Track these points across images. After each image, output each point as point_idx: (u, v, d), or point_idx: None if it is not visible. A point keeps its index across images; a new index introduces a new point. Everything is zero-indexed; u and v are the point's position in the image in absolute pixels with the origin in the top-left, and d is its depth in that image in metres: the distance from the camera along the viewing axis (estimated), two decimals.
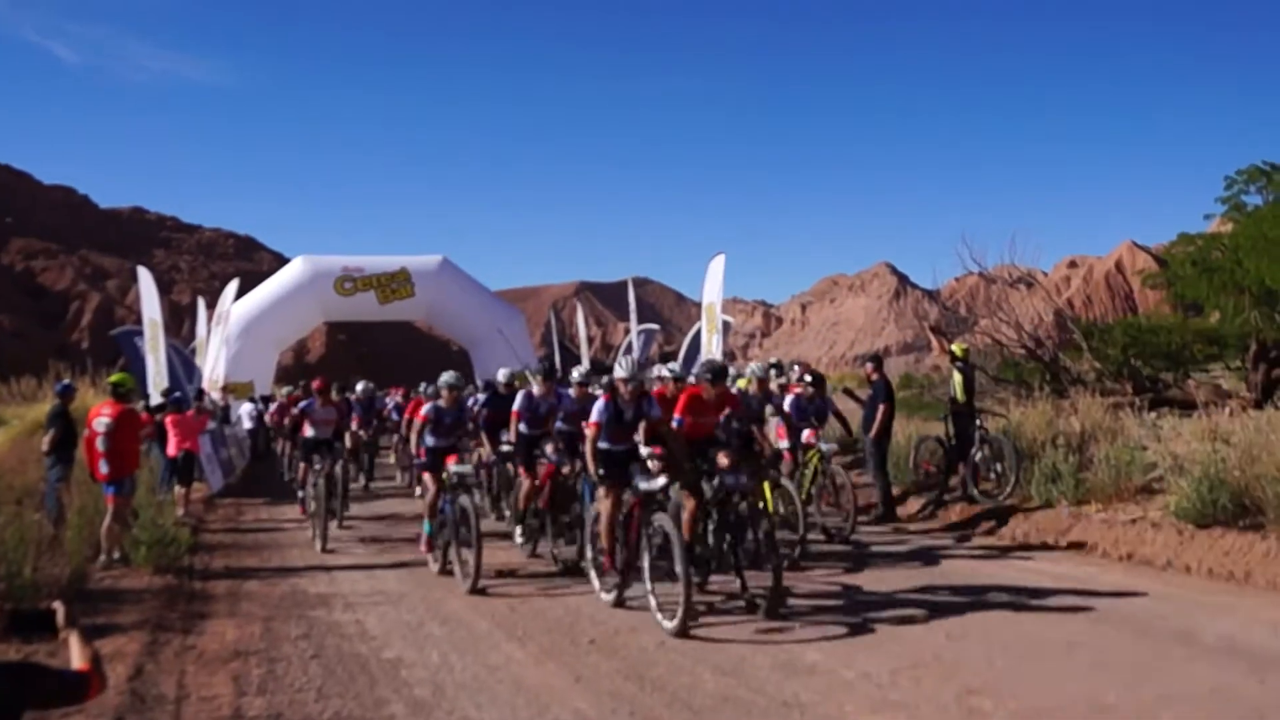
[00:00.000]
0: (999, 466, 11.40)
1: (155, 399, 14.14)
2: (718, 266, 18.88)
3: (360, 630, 6.93)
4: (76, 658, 2.94)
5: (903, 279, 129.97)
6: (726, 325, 22.83)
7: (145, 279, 16.16)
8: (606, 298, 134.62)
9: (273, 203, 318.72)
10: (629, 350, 24.58)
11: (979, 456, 11.45)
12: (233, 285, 22.17)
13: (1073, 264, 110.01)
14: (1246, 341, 21.02)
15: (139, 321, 17.34)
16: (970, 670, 5.57)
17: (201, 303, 26.94)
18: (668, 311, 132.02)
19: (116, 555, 9.06)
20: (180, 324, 55.03)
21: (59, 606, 3.04)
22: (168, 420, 12.28)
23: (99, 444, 9.40)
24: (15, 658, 4.08)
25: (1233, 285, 21.31)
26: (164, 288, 16.22)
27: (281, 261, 52.50)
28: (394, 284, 27.09)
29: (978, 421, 11.73)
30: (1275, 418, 11.17)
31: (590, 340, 28.31)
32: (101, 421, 9.43)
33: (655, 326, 27.28)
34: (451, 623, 7.07)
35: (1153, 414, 13.65)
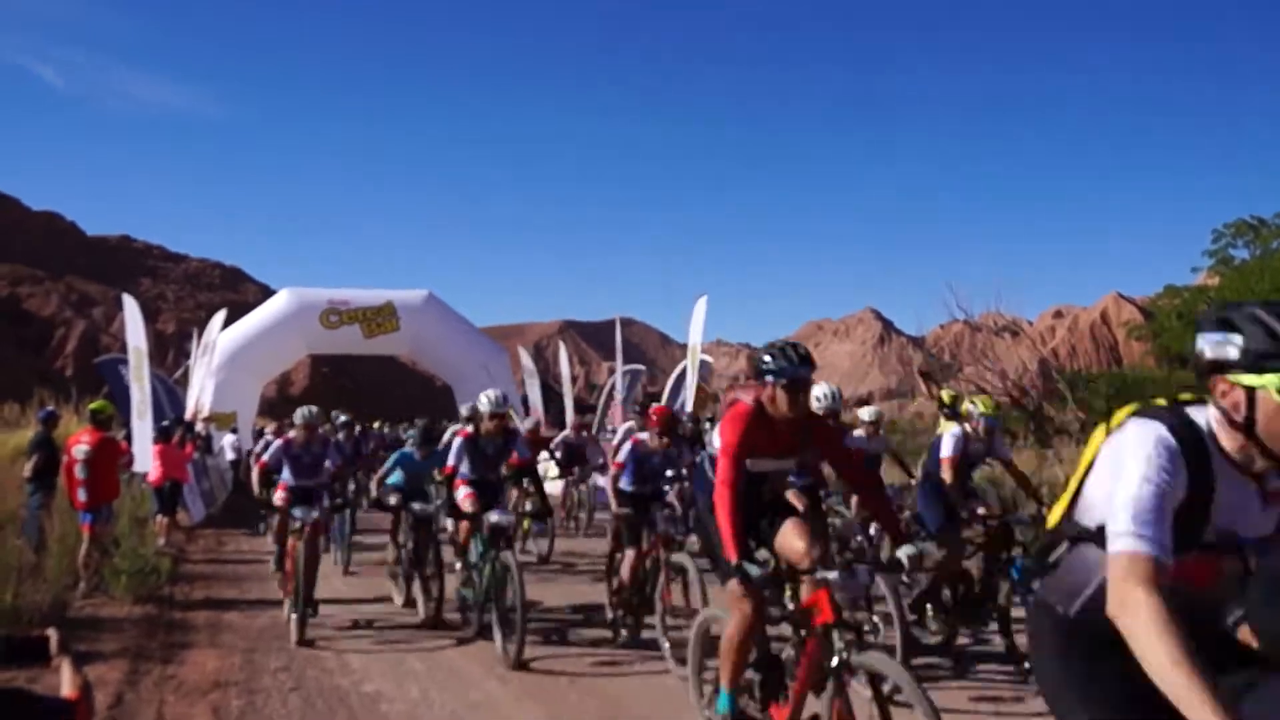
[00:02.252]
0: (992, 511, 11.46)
1: (141, 428, 14.07)
2: (700, 308, 19.12)
3: (341, 664, 6.90)
4: (67, 685, 2.95)
5: (888, 325, 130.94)
6: (706, 365, 22.96)
7: (131, 307, 16.14)
8: (590, 337, 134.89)
9: (260, 234, 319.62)
10: (613, 390, 24.64)
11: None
12: (219, 316, 22.19)
13: (1058, 314, 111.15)
14: None
15: (124, 349, 17.31)
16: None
17: (195, 334, 26.95)
18: (652, 352, 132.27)
19: (95, 583, 9.00)
20: (165, 354, 54.81)
21: (52, 633, 3.05)
22: (154, 449, 12.24)
23: (78, 471, 9.41)
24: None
25: None
26: (149, 316, 16.22)
27: (267, 293, 52.49)
28: (379, 318, 27.07)
29: (970, 469, 11.79)
30: None
31: (574, 379, 28.31)
32: (80, 449, 9.44)
33: (641, 367, 27.35)
34: (433, 659, 7.05)
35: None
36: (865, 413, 10.04)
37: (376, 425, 24.35)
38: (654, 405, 7.62)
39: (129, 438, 13.75)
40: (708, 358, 22.71)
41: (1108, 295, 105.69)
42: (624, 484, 7.68)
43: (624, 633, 7.35)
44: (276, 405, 47.43)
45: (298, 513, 8.05)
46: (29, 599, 7.51)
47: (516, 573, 6.72)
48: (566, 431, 16.23)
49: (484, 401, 7.79)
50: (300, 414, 9.01)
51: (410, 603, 8.72)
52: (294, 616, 7.63)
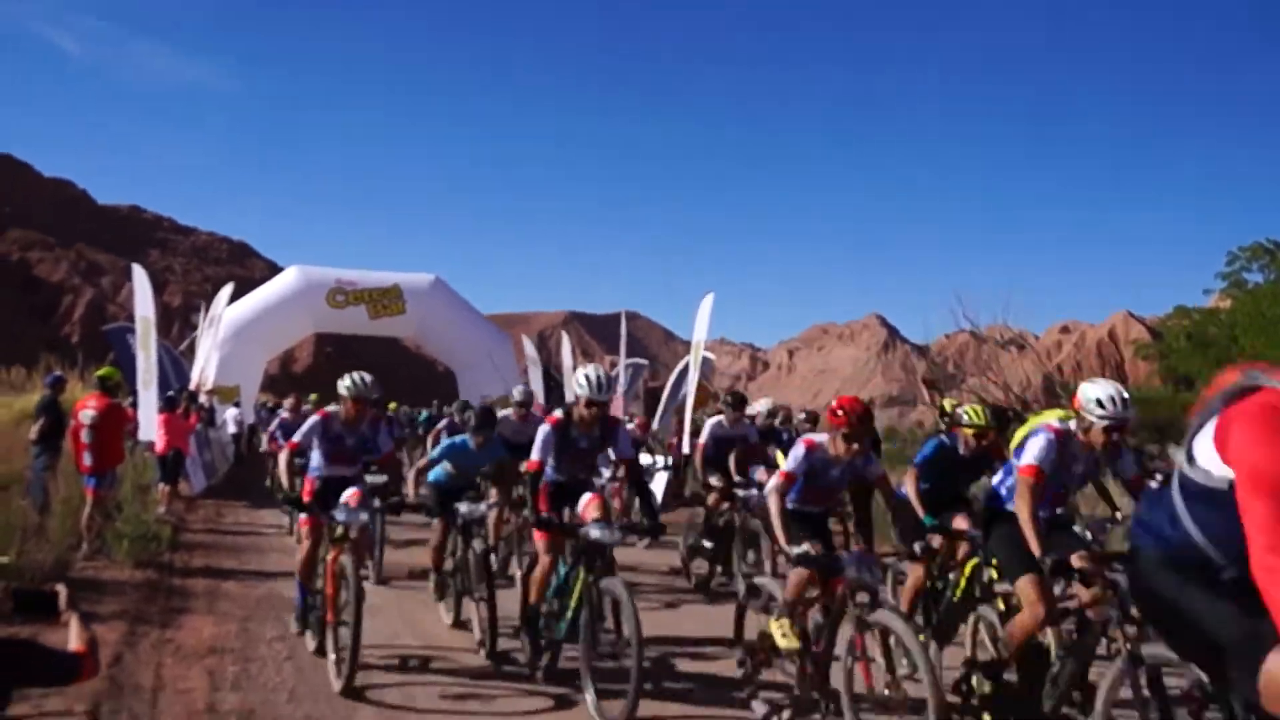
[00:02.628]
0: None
1: (146, 397, 14.19)
2: (706, 306, 19.17)
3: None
4: (74, 640, 3.03)
5: (893, 332, 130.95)
6: (708, 363, 23.01)
7: (140, 277, 16.24)
8: (594, 328, 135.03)
9: (268, 211, 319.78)
10: (615, 380, 24.72)
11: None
12: (227, 289, 22.32)
13: (1065, 329, 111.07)
14: None
15: (130, 318, 17.41)
16: None
17: (203, 306, 27.07)
18: (655, 347, 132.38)
19: (97, 546, 9.13)
20: (170, 325, 54.99)
21: (61, 589, 3.15)
22: (159, 418, 12.37)
23: (84, 436, 9.56)
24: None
25: (1227, 362, 21.61)
26: (156, 288, 16.27)
27: (274, 269, 52.62)
28: (386, 300, 27.17)
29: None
30: None
31: (574, 370, 28.37)
32: (87, 414, 9.60)
33: (644, 361, 27.42)
34: (425, 637, 7.16)
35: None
36: (763, 404, 11.18)
37: (393, 407, 23.68)
38: (839, 397, 5.76)
39: (135, 405, 13.86)
40: (710, 355, 22.79)
41: (1117, 313, 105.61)
42: (790, 502, 5.50)
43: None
44: (279, 381, 47.61)
45: (341, 514, 6.07)
46: (32, 558, 7.62)
47: (630, 605, 5.23)
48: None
49: (582, 382, 5.98)
50: (349, 383, 6.73)
51: (461, 623, 7.28)
52: (336, 657, 5.94)
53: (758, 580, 5.87)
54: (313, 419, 6.94)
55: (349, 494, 6.51)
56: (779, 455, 9.14)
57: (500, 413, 9.46)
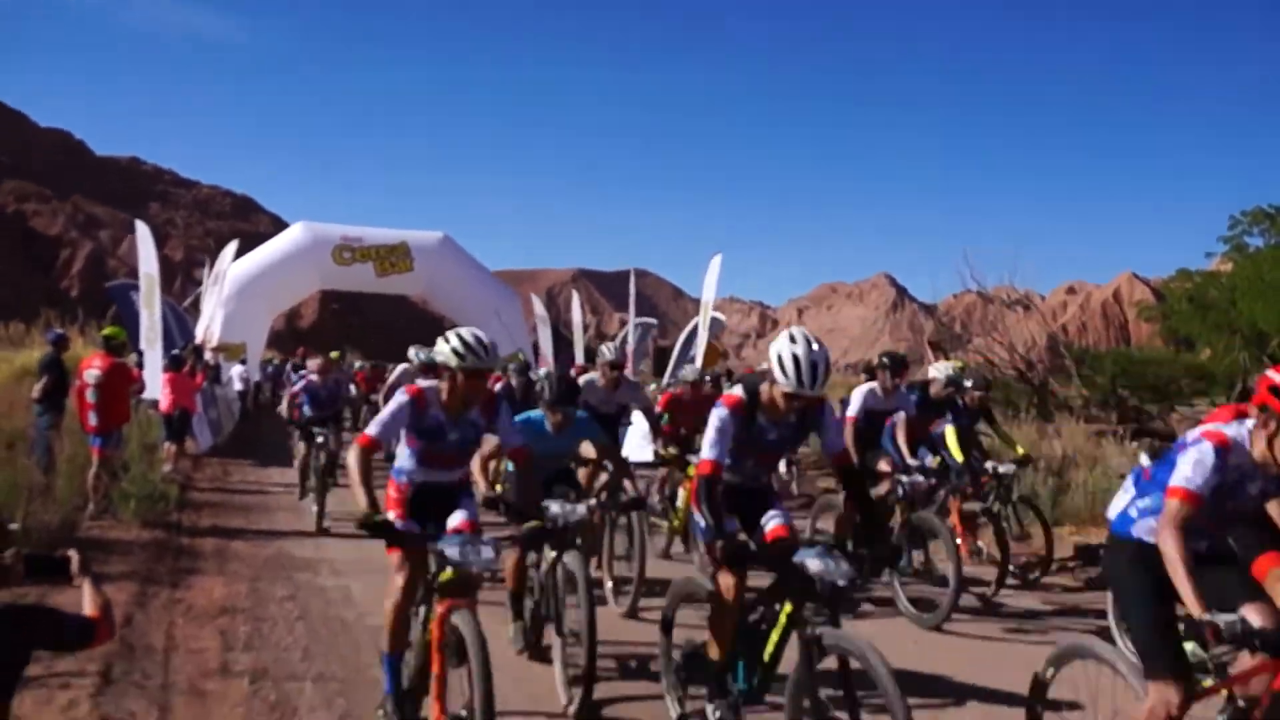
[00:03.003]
0: None
1: (151, 355, 14.13)
2: (715, 266, 19.12)
3: (345, 596, 7.01)
4: (88, 605, 3.04)
5: (901, 291, 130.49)
6: (718, 322, 22.93)
7: (144, 233, 16.09)
8: (603, 286, 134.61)
9: (273, 165, 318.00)
10: (624, 342, 24.65)
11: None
12: (232, 246, 22.16)
13: (1071, 290, 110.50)
14: (1234, 380, 21.24)
15: (130, 273, 17.32)
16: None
17: (208, 261, 26.90)
18: (664, 305, 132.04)
19: (104, 506, 9.12)
20: (172, 280, 54.86)
21: (74, 554, 3.13)
22: (165, 377, 12.32)
23: (89, 395, 9.50)
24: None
25: (1226, 325, 21.55)
26: (157, 242, 16.15)
27: (278, 224, 52.44)
28: (393, 257, 26.97)
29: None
30: None
31: (585, 328, 28.34)
32: (92, 373, 9.54)
33: (653, 321, 27.32)
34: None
35: (1134, 444, 13.84)
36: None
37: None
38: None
39: (140, 364, 13.80)
40: (720, 315, 22.69)
41: (1122, 274, 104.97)
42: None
43: None
44: (284, 338, 47.60)
45: (453, 549, 4.05)
46: (38, 519, 7.61)
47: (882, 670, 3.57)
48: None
49: (788, 368, 4.18)
50: (456, 345, 4.47)
51: (534, 649, 5.63)
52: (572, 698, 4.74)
53: None
54: (399, 399, 4.57)
55: (458, 520, 4.69)
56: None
57: (584, 378, 8.32)
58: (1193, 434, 3.59)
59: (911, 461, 7.54)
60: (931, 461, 7.82)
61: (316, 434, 10.53)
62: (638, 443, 11.70)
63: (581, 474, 6.99)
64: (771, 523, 4.63)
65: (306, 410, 11.10)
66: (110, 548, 7.92)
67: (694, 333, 21.05)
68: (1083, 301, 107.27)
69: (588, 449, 6.67)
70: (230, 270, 22.09)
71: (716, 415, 4.39)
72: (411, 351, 11.21)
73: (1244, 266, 22.80)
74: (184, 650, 5.55)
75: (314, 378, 11.60)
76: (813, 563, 3.85)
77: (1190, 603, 3.20)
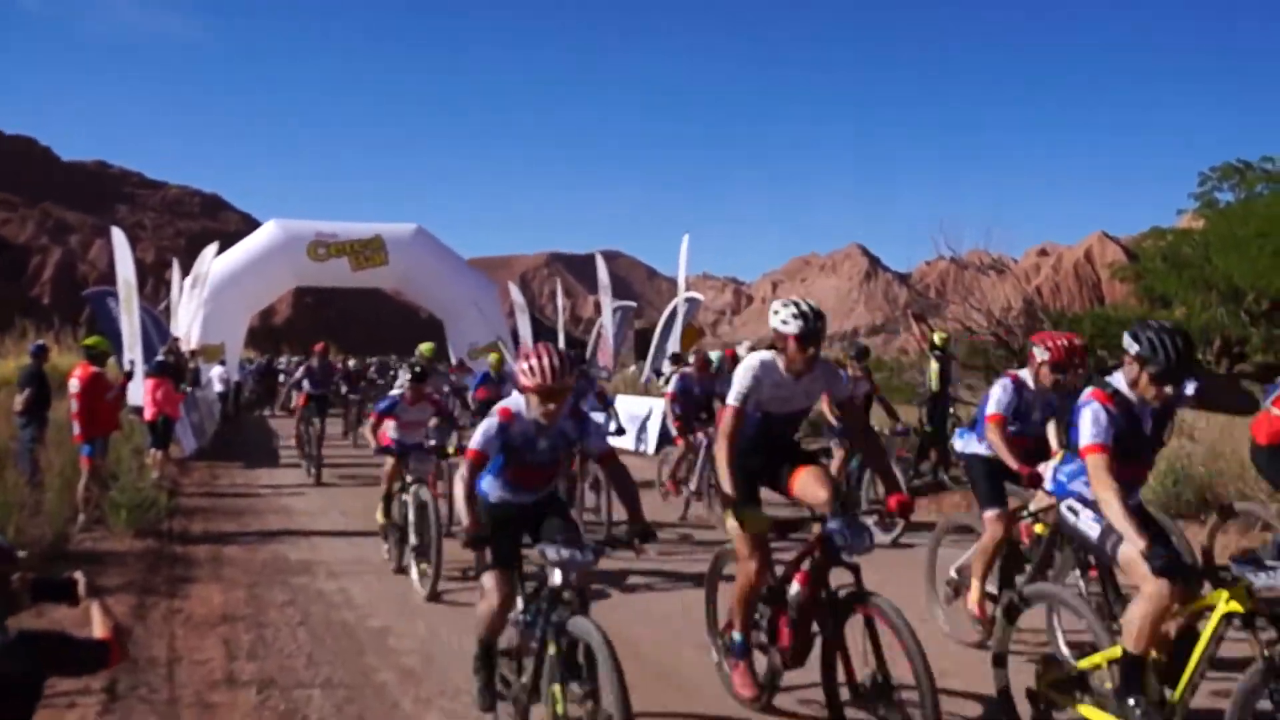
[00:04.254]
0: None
1: (128, 359, 13.98)
2: (684, 247, 19.39)
3: (345, 599, 6.99)
4: (98, 627, 3.02)
5: (874, 261, 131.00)
6: (694, 301, 23.00)
7: (119, 239, 15.89)
8: (577, 270, 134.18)
9: (241, 163, 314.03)
10: (602, 328, 24.62)
11: (951, 444, 11.70)
12: (211, 248, 21.99)
13: (1043, 252, 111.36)
14: (1211, 337, 21.49)
15: (102, 278, 17.13)
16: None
17: (175, 264, 26.57)
18: (639, 286, 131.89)
19: (95, 517, 9.04)
20: (144, 283, 54.17)
21: (80, 576, 3.10)
22: (149, 384, 12.19)
23: (72, 405, 9.50)
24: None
25: (1201, 281, 21.79)
26: (129, 245, 16.02)
27: (249, 222, 51.93)
28: (367, 251, 26.83)
29: (950, 409, 11.98)
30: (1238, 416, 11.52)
31: (563, 311, 28.28)
32: (72, 383, 9.56)
33: (631, 304, 27.28)
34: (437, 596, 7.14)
35: None
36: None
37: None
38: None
39: (129, 373, 13.65)
40: (696, 295, 22.73)
41: (1093, 234, 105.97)
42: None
43: None
44: (260, 336, 47.17)
45: (555, 554, 4.03)
46: (29, 534, 7.53)
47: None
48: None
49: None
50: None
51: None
52: None
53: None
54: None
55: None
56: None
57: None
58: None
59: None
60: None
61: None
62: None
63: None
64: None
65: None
66: (104, 560, 7.85)
67: (674, 315, 21.07)
68: (1055, 263, 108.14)
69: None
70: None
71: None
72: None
73: (1216, 222, 23.06)
74: (188, 661, 5.52)
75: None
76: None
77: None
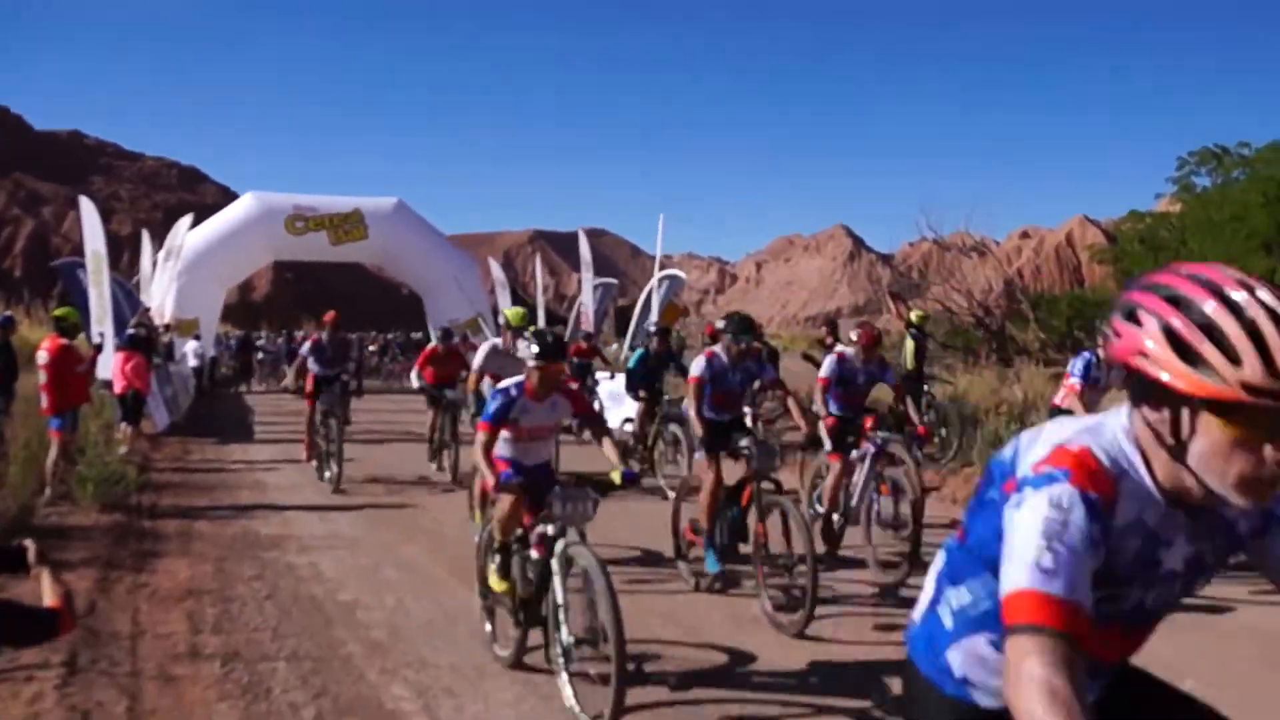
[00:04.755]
0: (944, 431, 11.72)
1: (97, 332, 13.80)
2: (661, 225, 19.64)
3: (315, 573, 6.94)
4: (48, 595, 2.95)
5: (858, 242, 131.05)
6: (676, 279, 22.99)
7: (88, 210, 15.66)
8: (561, 247, 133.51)
9: (219, 134, 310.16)
10: (581, 305, 24.52)
11: (925, 421, 11.75)
12: (186, 220, 21.69)
13: (1025, 235, 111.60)
14: None
15: (75, 250, 16.91)
16: None
17: (146, 235, 26.21)
18: (624, 264, 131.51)
19: (61, 491, 8.93)
20: (119, 256, 53.51)
21: (30, 544, 3.03)
22: (119, 357, 12.03)
23: (40, 377, 9.35)
24: None
25: (1178, 263, 22.02)
26: (103, 217, 15.73)
27: (226, 194, 51.37)
28: (347, 225, 26.64)
29: (925, 388, 12.02)
30: None
31: (544, 289, 28.17)
32: (41, 355, 9.40)
33: (613, 281, 27.20)
34: (408, 568, 7.11)
35: None
36: None
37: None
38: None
39: (100, 346, 13.48)
40: (679, 272, 22.70)
41: (1074, 217, 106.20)
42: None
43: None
44: (237, 311, 46.77)
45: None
46: None
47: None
48: None
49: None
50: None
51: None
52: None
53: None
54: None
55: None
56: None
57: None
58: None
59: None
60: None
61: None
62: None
63: None
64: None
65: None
66: (69, 534, 7.75)
67: (653, 293, 21.03)
68: (1036, 245, 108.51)
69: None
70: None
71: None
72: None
73: (1193, 206, 23.25)
74: (151, 635, 5.45)
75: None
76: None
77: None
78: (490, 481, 4.94)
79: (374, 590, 6.47)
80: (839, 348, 8.00)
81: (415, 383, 11.66)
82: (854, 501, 7.03)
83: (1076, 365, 7.25)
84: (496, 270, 26.68)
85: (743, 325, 6.56)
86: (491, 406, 5.07)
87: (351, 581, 6.69)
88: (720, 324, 6.87)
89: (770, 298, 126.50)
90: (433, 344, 12.78)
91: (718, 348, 6.60)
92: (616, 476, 4.83)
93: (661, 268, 20.74)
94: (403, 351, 30.80)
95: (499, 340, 8.10)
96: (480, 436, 5.04)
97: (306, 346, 11.72)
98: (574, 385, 5.63)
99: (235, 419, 17.30)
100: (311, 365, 11.30)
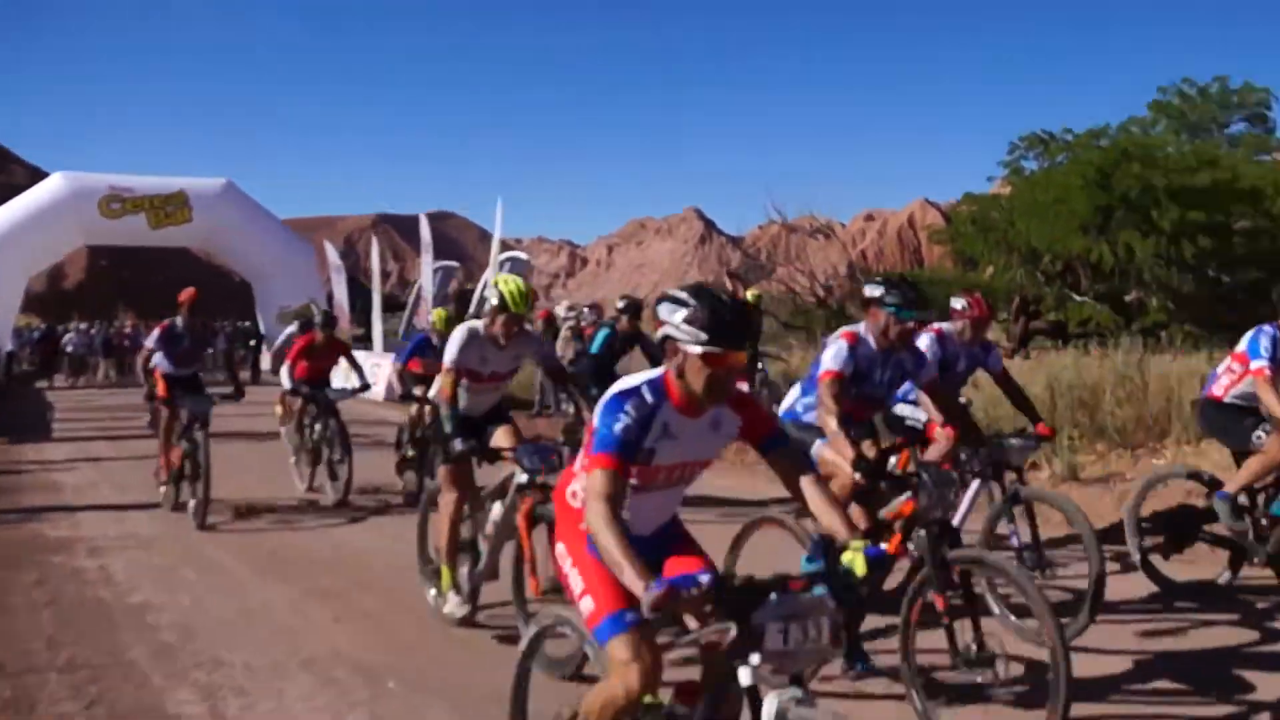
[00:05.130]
0: (774, 408, 11.99)
1: None
2: (499, 211, 19.81)
3: (104, 576, 6.42)
4: None
5: (709, 225, 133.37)
6: (522, 263, 22.79)
7: None
8: (406, 231, 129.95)
9: (29, 110, 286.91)
10: (421, 289, 23.94)
11: (759, 396, 12.00)
12: None
13: (869, 217, 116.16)
14: (1011, 296, 22.96)
15: None
16: None
17: None
18: (471, 248, 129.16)
19: None
20: None
21: None
22: None
23: None
24: None
25: (1005, 244, 23.21)
26: None
27: (38, 175, 47.48)
28: (169, 207, 25.11)
29: (759, 365, 12.27)
30: (1028, 366, 12.28)
31: (386, 275, 27.34)
32: None
33: (455, 264, 26.65)
34: (208, 567, 6.66)
35: None
36: None
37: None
38: None
39: None
40: (523, 254, 22.54)
41: (916, 200, 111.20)
42: None
43: None
44: (46, 300, 43.41)
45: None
46: None
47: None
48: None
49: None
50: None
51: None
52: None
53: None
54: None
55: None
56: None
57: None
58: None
59: None
60: None
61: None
62: None
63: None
64: None
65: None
66: None
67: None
68: (880, 228, 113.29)
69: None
70: None
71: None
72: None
73: (1021, 189, 24.62)
74: None
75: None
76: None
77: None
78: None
79: (169, 591, 6.03)
80: (936, 324, 5.71)
81: (286, 381, 9.25)
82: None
83: (1262, 343, 5.08)
84: (333, 255, 25.65)
85: (908, 297, 4.43)
86: (613, 425, 2.64)
87: (145, 583, 6.21)
88: (874, 290, 4.55)
89: (621, 280, 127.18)
90: (309, 332, 9.86)
91: (861, 328, 4.60)
92: (858, 563, 2.52)
93: (506, 250, 20.49)
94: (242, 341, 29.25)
95: (479, 323, 5.37)
96: (598, 481, 2.58)
97: (155, 336, 8.88)
98: (747, 388, 4.40)
99: (33, 417, 16.03)
100: (159, 360, 8.78)
